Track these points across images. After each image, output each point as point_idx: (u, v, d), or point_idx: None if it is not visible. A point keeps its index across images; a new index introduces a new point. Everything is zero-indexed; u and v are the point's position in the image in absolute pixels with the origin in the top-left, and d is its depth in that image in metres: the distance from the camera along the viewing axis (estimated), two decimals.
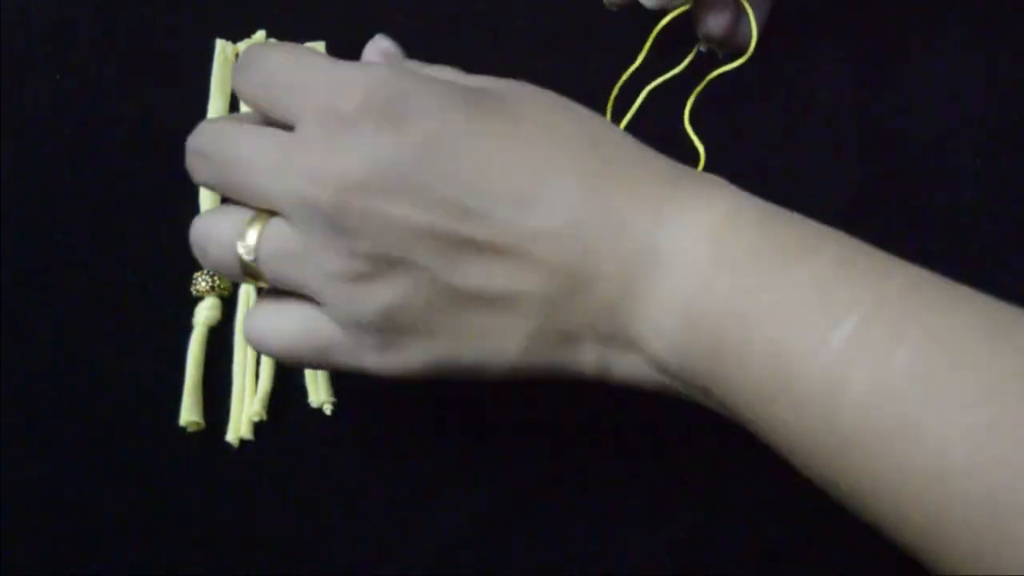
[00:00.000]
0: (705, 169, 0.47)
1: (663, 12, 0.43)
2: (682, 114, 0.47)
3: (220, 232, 0.36)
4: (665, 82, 0.47)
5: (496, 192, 0.33)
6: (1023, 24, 0.51)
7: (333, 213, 0.32)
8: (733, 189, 0.35)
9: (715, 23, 0.45)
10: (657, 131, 0.50)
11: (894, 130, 0.50)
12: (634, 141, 0.36)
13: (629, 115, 0.46)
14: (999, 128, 0.50)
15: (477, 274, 0.33)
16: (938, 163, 0.49)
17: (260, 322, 0.37)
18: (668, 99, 0.48)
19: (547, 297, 0.33)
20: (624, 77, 0.46)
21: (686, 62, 0.46)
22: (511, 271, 0.33)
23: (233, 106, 0.52)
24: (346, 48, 0.52)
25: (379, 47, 0.39)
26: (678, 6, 0.43)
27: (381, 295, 0.33)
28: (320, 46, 0.50)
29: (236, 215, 0.36)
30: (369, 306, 0.34)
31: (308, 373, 0.46)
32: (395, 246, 0.33)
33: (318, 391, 0.46)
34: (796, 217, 0.34)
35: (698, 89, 0.45)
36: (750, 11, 0.44)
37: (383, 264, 0.33)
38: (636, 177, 0.34)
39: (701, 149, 0.45)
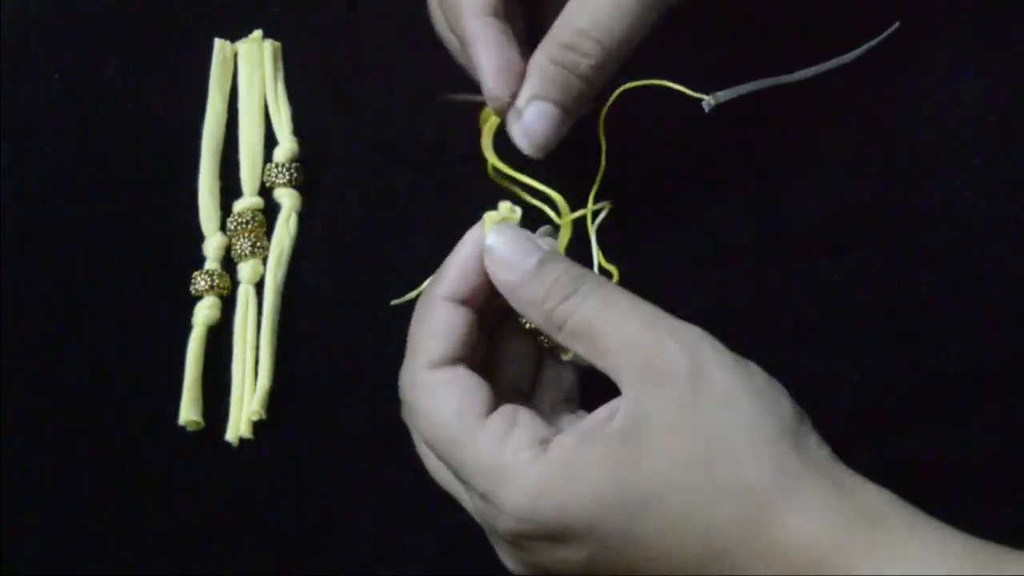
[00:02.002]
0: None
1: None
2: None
3: None
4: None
5: None
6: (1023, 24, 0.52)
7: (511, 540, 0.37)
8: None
9: None
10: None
11: (894, 130, 0.50)
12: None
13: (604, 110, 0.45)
14: (999, 128, 0.50)
15: None
16: (938, 163, 0.49)
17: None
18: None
19: None
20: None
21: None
22: None
23: (232, 105, 0.52)
24: (344, 47, 0.53)
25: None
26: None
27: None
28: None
29: None
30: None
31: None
32: None
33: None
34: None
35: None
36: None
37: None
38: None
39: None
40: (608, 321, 0.36)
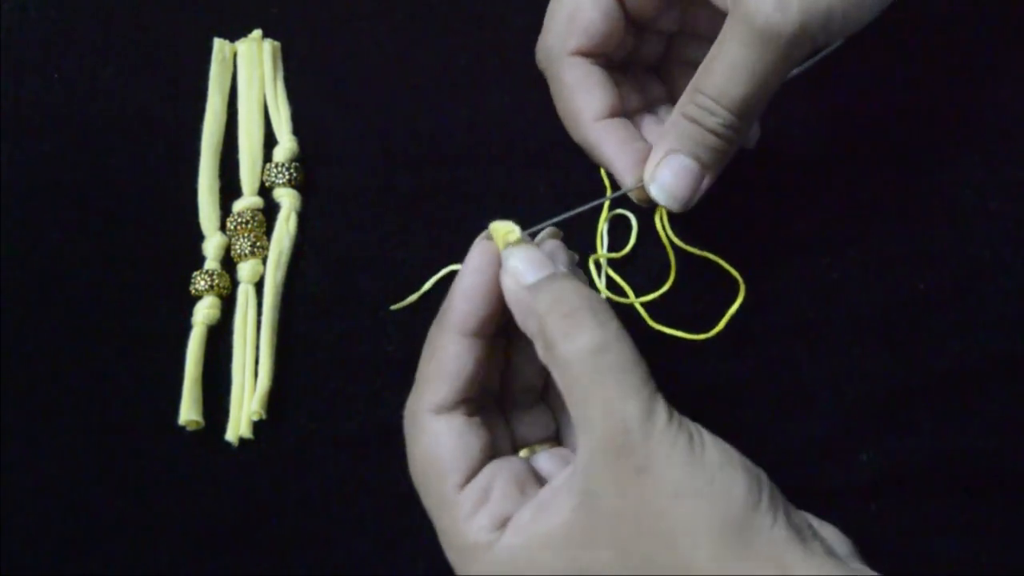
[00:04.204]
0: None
1: None
2: None
3: None
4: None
5: None
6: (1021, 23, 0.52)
7: None
8: None
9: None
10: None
11: (893, 129, 0.50)
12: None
13: None
14: (999, 128, 0.50)
15: None
16: (938, 162, 0.49)
17: None
18: None
19: None
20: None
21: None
22: None
23: (232, 105, 0.52)
24: (344, 47, 0.53)
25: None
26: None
27: None
28: None
29: None
30: None
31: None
32: None
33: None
34: None
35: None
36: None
37: None
38: None
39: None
40: (590, 376, 0.35)
